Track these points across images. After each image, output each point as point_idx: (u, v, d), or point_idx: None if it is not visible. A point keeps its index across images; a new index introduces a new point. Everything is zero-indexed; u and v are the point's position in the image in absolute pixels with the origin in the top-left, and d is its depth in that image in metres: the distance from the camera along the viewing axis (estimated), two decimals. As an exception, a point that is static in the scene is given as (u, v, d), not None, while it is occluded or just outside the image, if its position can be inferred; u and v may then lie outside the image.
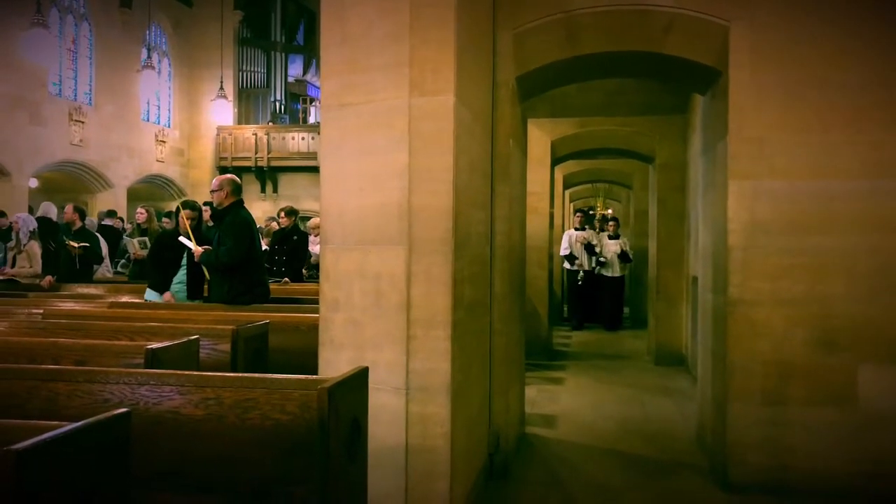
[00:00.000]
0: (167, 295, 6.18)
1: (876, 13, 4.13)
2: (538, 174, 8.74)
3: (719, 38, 4.33)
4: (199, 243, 5.83)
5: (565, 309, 13.09)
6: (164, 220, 9.91)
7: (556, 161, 9.64)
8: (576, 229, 12.23)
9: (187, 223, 5.96)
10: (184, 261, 6.26)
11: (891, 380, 4.10)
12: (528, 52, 4.59)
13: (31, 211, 11.09)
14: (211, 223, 6.52)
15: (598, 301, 12.18)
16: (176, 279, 6.28)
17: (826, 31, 4.17)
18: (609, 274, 12.06)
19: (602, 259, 12.00)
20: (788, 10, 4.21)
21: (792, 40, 4.20)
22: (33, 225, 8.12)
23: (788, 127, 4.21)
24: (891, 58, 4.11)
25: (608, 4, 4.45)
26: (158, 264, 6.37)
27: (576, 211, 13.34)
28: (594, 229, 12.71)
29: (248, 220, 5.84)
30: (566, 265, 12.16)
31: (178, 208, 6.37)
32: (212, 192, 5.84)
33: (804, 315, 4.18)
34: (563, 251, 11.94)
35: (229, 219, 5.72)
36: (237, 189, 5.83)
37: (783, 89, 4.21)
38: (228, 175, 6.01)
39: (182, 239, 5.97)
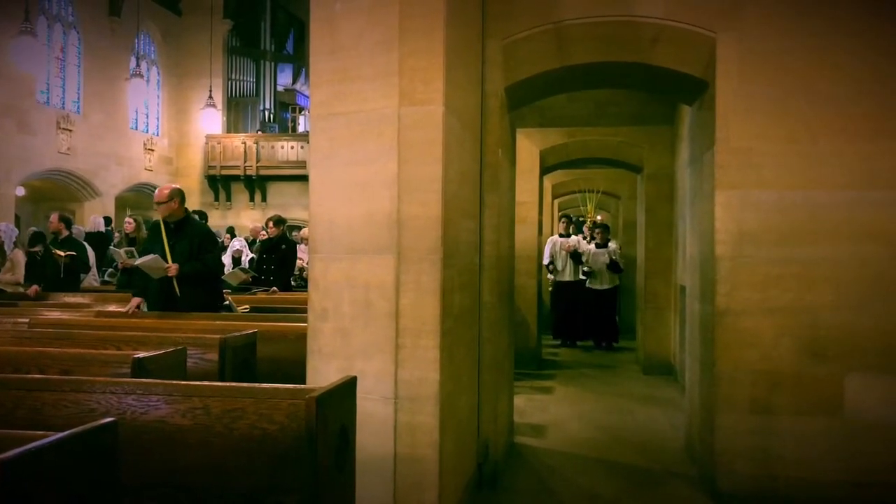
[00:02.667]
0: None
1: (863, 25, 4.17)
2: (527, 184, 8.77)
3: (706, 49, 4.36)
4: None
5: (543, 347, 10.83)
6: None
7: (545, 171, 9.68)
8: (560, 236, 11.12)
9: (164, 238, 5.61)
10: None
11: (877, 389, 4.12)
12: (517, 63, 4.61)
13: (16, 220, 11.01)
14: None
15: (587, 316, 10.94)
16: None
17: (813, 43, 4.21)
18: (597, 286, 10.80)
19: (587, 269, 10.81)
20: (775, 22, 4.25)
21: (779, 51, 4.24)
22: (15, 234, 8.07)
23: (776, 137, 4.24)
24: (878, 69, 4.15)
25: (597, 16, 4.48)
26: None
27: (561, 216, 12.03)
28: (584, 236, 11.55)
29: (209, 227, 6.01)
30: (550, 276, 11.21)
31: None
32: (159, 203, 5.54)
33: (792, 324, 4.20)
34: (545, 260, 10.84)
35: (197, 228, 5.73)
36: (184, 198, 5.74)
37: (770, 100, 4.25)
38: (174, 185, 5.83)
39: (147, 258, 5.53)
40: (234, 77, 21.93)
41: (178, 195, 5.60)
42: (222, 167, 20.72)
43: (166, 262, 5.45)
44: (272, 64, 22.72)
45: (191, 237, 5.59)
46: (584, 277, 10.92)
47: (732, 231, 4.27)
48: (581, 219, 12.53)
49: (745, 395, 4.24)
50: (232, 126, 21.73)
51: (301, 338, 3.79)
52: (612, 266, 10.74)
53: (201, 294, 5.60)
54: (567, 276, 10.96)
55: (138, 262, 5.54)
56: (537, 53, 4.61)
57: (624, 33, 4.51)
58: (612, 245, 10.88)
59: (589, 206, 12.69)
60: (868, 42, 4.16)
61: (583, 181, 12.82)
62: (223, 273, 5.89)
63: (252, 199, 20.89)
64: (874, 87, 4.15)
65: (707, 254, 4.54)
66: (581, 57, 4.64)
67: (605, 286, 10.85)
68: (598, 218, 14.30)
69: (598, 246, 10.89)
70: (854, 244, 4.15)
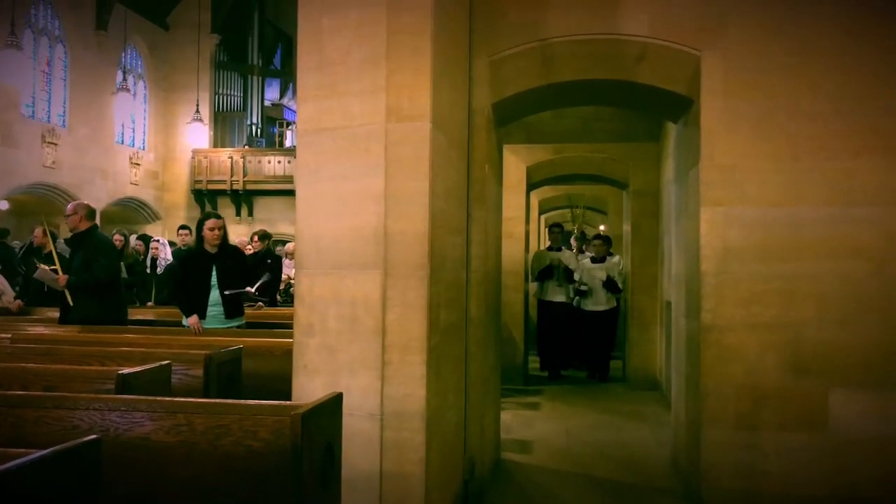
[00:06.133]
0: (192, 319, 5.52)
1: (842, 47, 4.22)
2: (514, 199, 8.79)
3: (691, 67, 4.40)
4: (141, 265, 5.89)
5: (531, 363, 9.75)
6: (138, 242, 9.84)
7: (531, 186, 9.71)
8: (549, 249, 9.66)
9: (52, 245, 6.13)
10: (213, 280, 5.75)
11: (861, 404, 4.15)
12: (503, 79, 4.63)
13: (1, 234, 10.94)
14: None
15: (580, 342, 9.52)
16: (211, 301, 5.73)
17: (794, 62, 4.26)
18: (593, 308, 9.33)
19: (583, 288, 9.32)
20: (759, 40, 4.30)
21: (763, 69, 4.29)
22: None
23: (760, 154, 4.27)
24: (859, 87, 4.21)
25: (582, 34, 4.52)
26: (181, 285, 5.80)
27: (550, 227, 10.30)
28: (574, 250, 10.17)
29: (112, 242, 6.28)
30: (542, 294, 9.45)
31: (199, 222, 5.92)
32: (66, 216, 5.90)
33: (776, 340, 4.22)
34: (534, 273, 9.47)
35: (93, 239, 5.92)
36: (91, 214, 6.00)
37: (754, 117, 4.29)
38: (82, 201, 6.17)
39: (43, 269, 5.95)
40: (221, 91, 21.92)
41: (83, 210, 5.91)
42: (209, 182, 20.67)
43: (56, 273, 5.80)
44: (259, 79, 22.73)
45: (86, 249, 5.83)
46: (576, 297, 9.48)
47: (717, 247, 4.30)
48: (571, 232, 11.53)
49: (730, 410, 4.25)
50: (219, 140, 21.70)
51: (287, 353, 3.78)
52: (609, 285, 9.23)
53: (94, 304, 5.79)
54: (558, 296, 9.39)
55: (35, 274, 5.99)
56: (524, 70, 4.65)
57: (609, 51, 4.55)
58: (613, 259, 9.40)
59: (577, 219, 12.16)
60: (847, 63, 4.21)
61: (569, 197, 12.81)
62: (119, 281, 6.18)
63: (238, 214, 20.83)
64: (854, 106, 4.20)
65: (692, 270, 4.56)
66: (567, 74, 4.68)
67: (601, 307, 9.33)
68: (602, 228, 13.47)
69: (593, 260, 9.48)
70: (836, 260, 4.18)
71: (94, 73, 17.87)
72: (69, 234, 6.19)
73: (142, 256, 9.34)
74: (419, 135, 3.39)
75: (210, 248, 5.77)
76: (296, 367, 3.55)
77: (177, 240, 10.39)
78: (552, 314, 9.41)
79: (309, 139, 3.58)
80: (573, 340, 9.48)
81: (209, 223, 5.77)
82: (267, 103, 23.40)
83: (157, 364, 3.63)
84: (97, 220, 17.34)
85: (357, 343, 3.39)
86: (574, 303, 9.48)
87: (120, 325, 5.87)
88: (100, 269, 5.76)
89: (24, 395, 2.82)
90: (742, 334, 4.25)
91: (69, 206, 5.97)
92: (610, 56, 4.56)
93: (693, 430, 4.50)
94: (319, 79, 3.55)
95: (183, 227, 10.80)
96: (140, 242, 9.84)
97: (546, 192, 12.21)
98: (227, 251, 5.95)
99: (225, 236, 5.89)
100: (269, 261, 8.62)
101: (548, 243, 10.17)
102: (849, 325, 4.17)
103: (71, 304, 5.74)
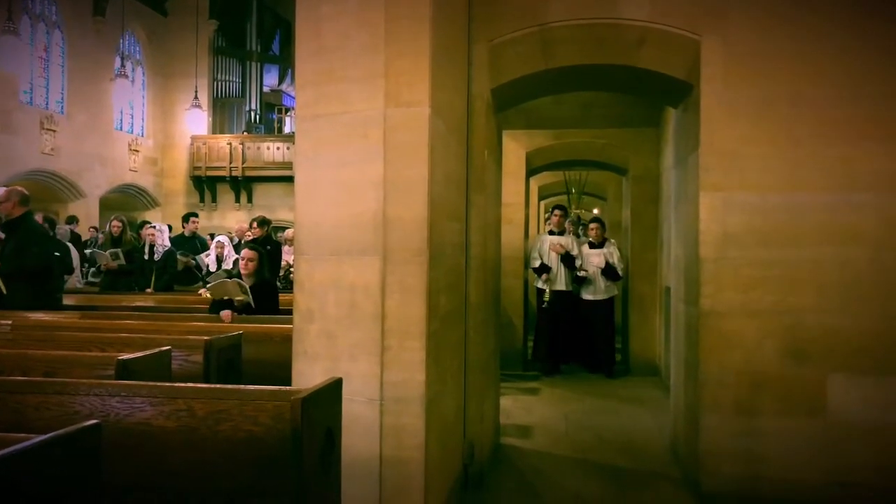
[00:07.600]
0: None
1: (845, 31, 4.21)
2: (513, 185, 8.77)
3: (691, 52, 4.39)
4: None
5: (530, 348, 9.37)
6: (146, 228, 9.81)
7: (531, 172, 9.69)
8: (551, 233, 8.87)
9: None
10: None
11: (859, 390, 4.16)
12: (503, 65, 4.62)
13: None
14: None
15: (579, 333, 8.78)
16: None
17: (795, 48, 4.25)
18: (591, 297, 8.66)
19: (581, 274, 8.61)
20: (759, 26, 4.28)
21: (763, 56, 4.27)
22: None
23: (759, 140, 4.27)
24: (859, 74, 4.20)
25: (582, 18, 4.50)
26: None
27: (553, 208, 9.39)
28: (576, 234, 9.40)
29: (45, 229, 6.30)
30: (539, 283, 8.73)
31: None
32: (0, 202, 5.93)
33: (775, 326, 4.23)
34: (534, 262, 8.71)
35: (26, 227, 5.95)
36: (25, 200, 5.99)
37: (754, 103, 4.28)
38: (15, 187, 6.11)
39: None
40: (219, 78, 21.84)
41: (15, 196, 5.90)
42: (208, 168, 20.62)
43: None
44: (258, 65, 22.65)
45: (19, 236, 5.86)
46: (574, 284, 8.71)
47: (716, 233, 4.30)
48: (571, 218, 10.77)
49: (729, 396, 4.27)
50: (217, 127, 21.64)
51: (286, 339, 3.79)
52: (608, 271, 8.57)
53: (27, 291, 5.83)
54: (559, 285, 8.66)
55: None
56: (523, 55, 4.63)
57: (609, 35, 4.53)
58: (609, 247, 8.73)
59: (572, 197, 11.72)
60: (847, 49, 4.20)
61: (569, 183, 12.76)
62: (52, 270, 6.21)
63: (238, 200, 20.80)
64: (854, 92, 4.20)
65: (691, 255, 4.56)
66: (566, 59, 4.66)
67: (600, 296, 8.65)
68: (595, 211, 13.20)
69: (591, 245, 8.77)
70: (835, 246, 4.19)
71: (92, 60, 17.79)
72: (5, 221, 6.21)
73: (140, 243, 9.32)
74: (418, 120, 3.38)
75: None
76: (295, 352, 3.56)
77: (186, 228, 10.33)
78: (556, 303, 8.66)
79: (308, 125, 3.57)
80: (572, 332, 8.77)
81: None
82: (266, 89, 23.33)
83: (157, 350, 3.64)
84: (96, 209, 17.25)
85: (356, 329, 3.40)
86: (573, 290, 8.76)
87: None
88: (30, 258, 5.82)
89: (24, 381, 2.82)
90: (741, 320, 4.26)
91: (1, 193, 5.94)
92: (610, 40, 4.55)
93: (692, 416, 4.51)
94: (318, 65, 3.54)
95: (192, 214, 10.77)
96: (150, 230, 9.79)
97: (546, 177, 12.20)
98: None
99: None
100: (268, 247, 8.60)
101: (548, 228, 9.28)
102: (847, 311, 4.17)
103: (4, 291, 5.79)
